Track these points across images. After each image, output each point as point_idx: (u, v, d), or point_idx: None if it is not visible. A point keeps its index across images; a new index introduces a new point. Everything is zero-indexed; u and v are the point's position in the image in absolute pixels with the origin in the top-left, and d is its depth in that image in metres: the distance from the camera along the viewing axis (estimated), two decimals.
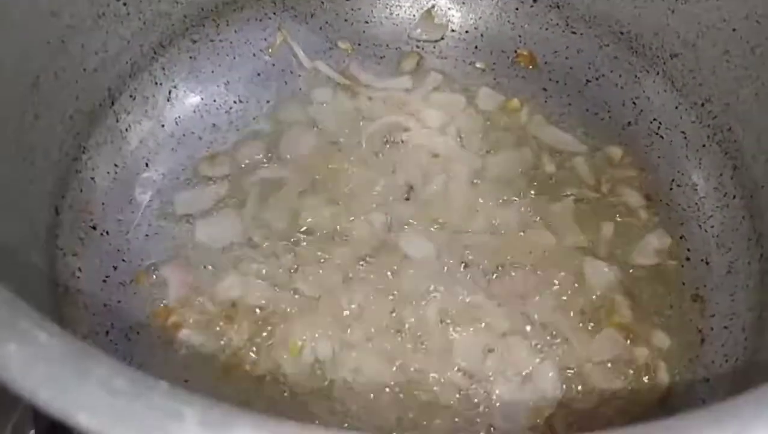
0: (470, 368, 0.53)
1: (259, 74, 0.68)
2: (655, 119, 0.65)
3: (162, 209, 0.61)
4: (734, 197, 0.59)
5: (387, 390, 0.53)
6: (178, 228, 0.60)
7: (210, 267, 0.58)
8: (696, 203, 0.62)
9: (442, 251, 0.59)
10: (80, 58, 0.57)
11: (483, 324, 0.55)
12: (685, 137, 0.63)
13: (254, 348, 0.54)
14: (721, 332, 0.56)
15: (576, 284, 0.57)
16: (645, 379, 0.54)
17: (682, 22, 0.61)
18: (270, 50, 0.69)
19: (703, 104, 0.62)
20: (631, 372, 0.54)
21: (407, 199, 0.61)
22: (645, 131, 0.65)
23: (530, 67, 0.70)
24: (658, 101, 0.65)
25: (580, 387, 0.53)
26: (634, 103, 0.66)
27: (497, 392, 0.52)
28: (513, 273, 0.58)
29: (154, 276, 0.58)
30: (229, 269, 0.58)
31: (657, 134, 0.65)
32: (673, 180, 0.63)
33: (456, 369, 0.54)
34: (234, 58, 0.68)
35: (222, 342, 0.55)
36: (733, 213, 0.59)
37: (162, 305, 0.56)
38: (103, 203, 0.60)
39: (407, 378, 0.53)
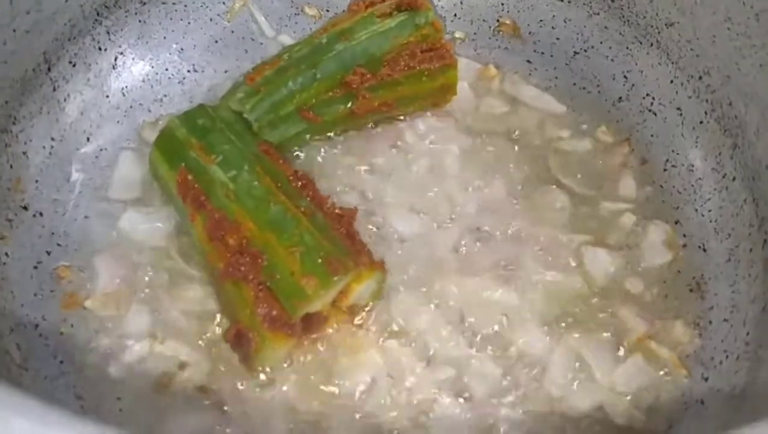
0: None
1: (216, 41, 0.63)
2: (648, 94, 0.60)
3: (103, 189, 0.55)
4: (734, 178, 0.54)
5: None
6: (117, 210, 0.54)
7: (145, 260, 0.52)
8: (692, 185, 0.57)
9: (433, 229, 0.55)
10: (8, 17, 0.51)
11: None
12: (681, 114, 0.59)
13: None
14: (721, 325, 0.51)
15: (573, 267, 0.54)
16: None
17: None
18: (228, 15, 0.63)
19: (700, 77, 0.57)
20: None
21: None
22: (637, 107, 0.61)
23: (513, 37, 0.64)
24: (652, 75, 0.60)
25: None
26: (625, 77, 0.62)
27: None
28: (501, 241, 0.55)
29: (84, 265, 0.52)
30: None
31: (650, 110, 0.60)
32: (667, 160, 0.58)
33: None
34: (188, 22, 0.62)
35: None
36: (733, 196, 0.54)
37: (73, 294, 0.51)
38: (36, 181, 0.54)
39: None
